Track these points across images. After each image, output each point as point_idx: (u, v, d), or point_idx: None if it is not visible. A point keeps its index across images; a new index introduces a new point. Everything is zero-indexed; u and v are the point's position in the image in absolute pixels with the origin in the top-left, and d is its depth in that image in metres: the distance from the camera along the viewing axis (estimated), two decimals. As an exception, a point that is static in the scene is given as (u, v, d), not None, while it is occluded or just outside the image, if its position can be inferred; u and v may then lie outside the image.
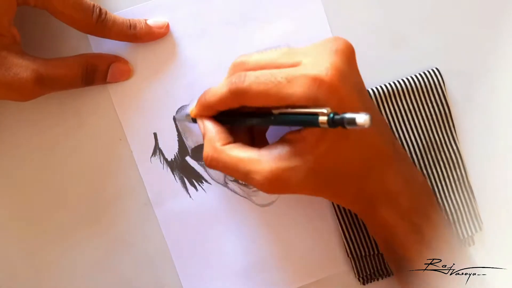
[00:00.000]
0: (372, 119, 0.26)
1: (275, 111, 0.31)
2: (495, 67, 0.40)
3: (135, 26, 0.36)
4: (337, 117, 0.27)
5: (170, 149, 0.39)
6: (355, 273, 0.40)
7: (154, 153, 0.39)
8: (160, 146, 0.39)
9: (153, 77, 0.38)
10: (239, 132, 0.36)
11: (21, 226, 0.39)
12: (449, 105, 0.39)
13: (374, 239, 0.39)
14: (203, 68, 0.39)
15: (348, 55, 0.31)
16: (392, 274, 0.40)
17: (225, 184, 0.40)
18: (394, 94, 0.39)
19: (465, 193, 0.40)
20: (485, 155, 0.40)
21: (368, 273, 0.40)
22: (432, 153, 0.39)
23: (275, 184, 0.31)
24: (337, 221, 0.40)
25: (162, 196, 0.39)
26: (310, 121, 0.29)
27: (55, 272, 0.39)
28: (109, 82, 0.38)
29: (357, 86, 0.32)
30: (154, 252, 0.40)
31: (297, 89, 0.29)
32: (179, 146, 0.39)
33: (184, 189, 0.40)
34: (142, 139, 0.39)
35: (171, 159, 0.39)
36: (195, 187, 0.40)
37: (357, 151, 0.32)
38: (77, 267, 0.39)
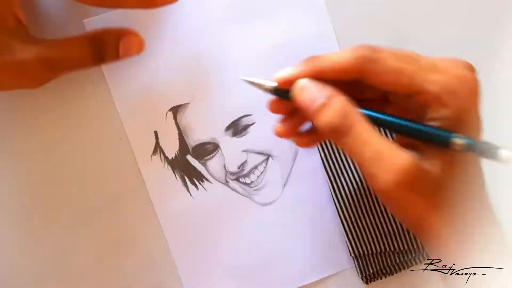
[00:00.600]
0: None
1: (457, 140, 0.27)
2: (496, 65, 0.40)
3: None
4: (480, 144, 0.25)
5: (171, 148, 0.39)
6: (358, 272, 0.40)
7: (154, 152, 0.39)
8: (160, 144, 0.39)
9: (153, 75, 0.38)
10: None
11: (21, 225, 0.39)
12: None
13: (377, 238, 0.39)
14: (205, 66, 0.39)
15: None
16: (395, 273, 0.40)
17: (226, 183, 0.40)
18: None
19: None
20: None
21: (371, 272, 0.40)
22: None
23: (409, 179, 0.26)
24: (339, 219, 0.39)
25: (163, 195, 0.39)
26: (443, 139, 0.26)
27: (56, 271, 0.39)
28: (123, 57, 0.35)
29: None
30: (155, 251, 0.39)
31: (439, 77, 0.27)
32: (179, 144, 0.39)
33: (185, 188, 0.40)
34: (143, 137, 0.39)
35: (172, 157, 0.39)
36: (196, 186, 0.40)
37: (474, 177, 0.29)
38: (78, 266, 0.39)
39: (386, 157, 0.27)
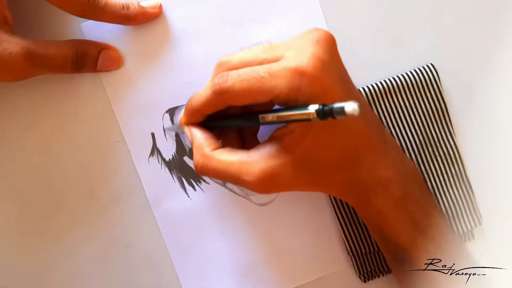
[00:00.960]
0: (360, 107, 0.26)
1: (260, 116, 0.31)
2: (491, 64, 0.40)
3: (128, 7, 0.36)
4: (326, 108, 0.27)
5: (168, 149, 0.39)
6: (356, 271, 0.40)
7: (152, 154, 0.39)
8: (158, 146, 0.39)
9: (150, 77, 0.39)
10: (229, 136, 0.36)
11: (19, 227, 0.39)
12: (445, 100, 0.39)
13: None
14: (200, 68, 0.39)
15: (329, 44, 0.31)
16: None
17: (223, 184, 0.40)
18: (389, 91, 0.39)
19: (464, 188, 0.39)
20: (483, 150, 0.40)
21: (369, 270, 0.40)
22: (429, 149, 0.39)
23: (267, 183, 0.31)
24: (336, 218, 0.39)
25: (160, 196, 0.39)
26: (299, 114, 0.29)
27: (53, 273, 0.39)
28: (100, 71, 0.38)
29: (341, 75, 0.32)
30: (152, 252, 0.40)
31: (280, 82, 0.29)
32: (177, 146, 0.39)
33: (182, 189, 0.40)
34: (140, 139, 0.39)
35: (169, 159, 0.39)
36: (193, 187, 0.40)
37: (345, 141, 0.32)
38: (76, 268, 0.39)
39: (241, 179, 0.32)
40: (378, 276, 0.40)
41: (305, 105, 0.29)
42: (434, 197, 0.39)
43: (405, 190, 0.34)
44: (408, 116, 0.39)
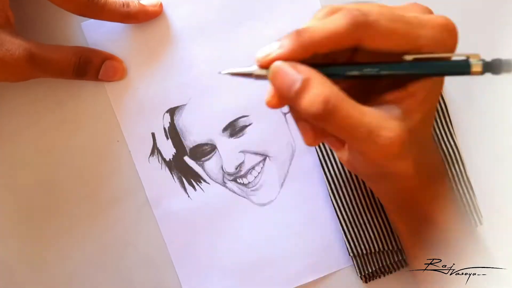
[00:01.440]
0: None
1: (408, 57, 0.27)
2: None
3: (128, 4, 0.36)
4: (496, 61, 0.25)
5: (168, 149, 0.39)
6: (356, 271, 0.40)
7: (152, 153, 0.39)
8: (158, 146, 0.39)
9: (151, 77, 0.39)
10: None
11: (19, 227, 0.39)
12: (445, 100, 0.39)
13: (375, 237, 0.39)
14: (200, 67, 0.39)
15: None
16: (394, 271, 0.40)
17: (223, 184, 0.40)
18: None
19: (464, 188, 0.39)
20: (484, 150, 0.40)
21: (370, 271, 0.40)
22: (430, 149, 0.39)
23: (403, 146, 0.27)
24: (337, 218, 0.39)
25: (160, 196, 0.39)
26: (460, 65, 0.27)
27: (53, 272, 0.39)
28: (101, 80, 0.37)
29: None
30: (153, 252, 0.39)
31: (428, 32, 0.27)
32: (177, 146, 0.39)
33: (183, 189, 0.40)
34: (140, 139, 0.39)
35: (169, 159, 0.39)
36: (194, 187, 0.40)
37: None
38: (76, 267, 0.39)
39: (377, 134, 0.27)
40: (380, 277, 0.40)
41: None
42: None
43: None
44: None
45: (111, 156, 0.39)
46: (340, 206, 0.39)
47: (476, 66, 0.26)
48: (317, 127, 0.29)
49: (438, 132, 0.39)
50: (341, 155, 0.33)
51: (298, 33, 0.27)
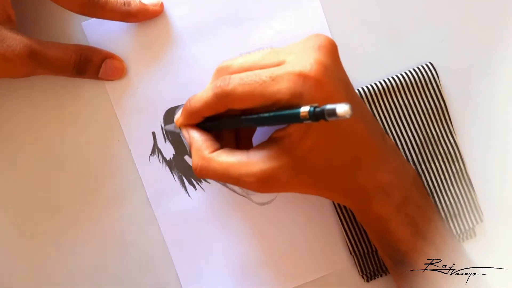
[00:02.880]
0: (352, 108, 0.25)
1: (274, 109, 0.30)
2: (491, 62, 0.40)
3: (129, 3, 0.36)
4: (317, 109, 0.27)
5: (169, 148, 0.39)
6: (358, 270, 0.40)
7: (152, 153, 0.39)
8: (158, 145, 0.39)
9: (151, 76, 0.39)
10: (225, 138, 0.36)
11: (20, 227, 0.39)
12: (445, 99, 0.39)
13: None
14: (200, 67, 0.39)
15: (332, 51, 0.31)
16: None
17: (224, 183, 0.40)
18: (389, 91, 0.39)
19: (465, 186, 0.39)
20: (483, 148, 0.40)
21: (372, 270, 0.39)
22: (430, 147, 0.39)
23: (267, 184, 0.31)
24: (338, 217, 0.39)
25: (161, 196, 0.39)
26: (293, 116, 0.28)
27: (54, 273, 0.39)
28: (101, 79, 0.38)
29: (343, 81, 0.32)
30: (153, 252, 0.39)
31: (282, 86, 0.29)
32: (177, 145, 0.39)
33: (183, 188, 0.40)
34: (141, 138, 0.39)
35: (170, 158, 0.39)
36: (194, 186, 0.40)
37: (345, 145, 0.32)
38: (76, 266, 0.39)
39: (242, 180, 0.32)
40: (381, 276, 0.40)
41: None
42: (433, 200, 0.39)
43: (405, 195, 0.34)
44: (408, 115, 0.39)
45: (111, 155, 0.39)
46: (341, 205, 0.39)
47: (304, 113, 0.27)
48: None
49: (437, 130, 0.39)
50: None
51: (188, 101, 0.34)
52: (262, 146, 0.33)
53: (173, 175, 0.39)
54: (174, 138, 0.39)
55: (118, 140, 0.39)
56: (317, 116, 0.27)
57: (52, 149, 0.38)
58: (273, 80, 0.30)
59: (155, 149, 0.39)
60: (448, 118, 0.39)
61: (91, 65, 0.37)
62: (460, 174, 0.39)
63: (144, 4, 0.37)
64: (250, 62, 0.32)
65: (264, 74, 0.30)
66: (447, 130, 0.39)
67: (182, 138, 0.39)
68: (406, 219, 0.34)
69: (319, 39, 0.32)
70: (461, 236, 0.40)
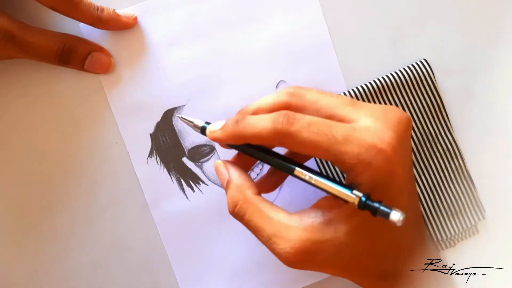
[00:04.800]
0: (404, 220, 0.25)
1: (313, 177, 0.29)
2: (490, 61, 0.40)
3: (102, 10, 0.36)
4: (370, 203, 0.26)
5: (167, 150, 0.39)
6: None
7: (150, 155, 0.39)
8: (156, 147, 0.39)
9: (149, 78, 0.39)
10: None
11: (17, 229, 0.38)
12: (441, 95, 0.39)
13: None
14: (199, 69, 0.39)
15: (408, 130, 0.30)
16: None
17: (222, 185, 0.40)
18: (383, 89, 0.39)
19: (465, 182, 0.39)
20: (483, 144, 0.40)
21: (373, 271, 0.39)
22: (428, 145, 0.39)
23: (301, 257, 0.28)
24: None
25: (159, 198, 0.39)
26: (343, 191, 0.27)
27: (51, 275, 0.38)
28: (87, 71, 0.37)
29: (410, 165, 0.31)
30: (151, 254, 0.39)
31: (353, 150, 0.27)
32: (175, 147, 0.39)
33: (181, 190, 0.39)
34: (139, 140, 0.39)
35: (168, 160, 0.39)
36: (192, 188, 0.39)
37: (390, 235, 0.29)
38: (74, 269, 0.39)
39: (274, 241, 0.29)
40: (383, 276, 0.39)
41: (352, 184, 0.27)
42: (434, 199, 0.39)
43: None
44: (405, 113, 0.39)
45: (109, 157, 0.39)
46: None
47: (354, 201, 0.27)
48: None
49: (435, 127, 0.39)
50: None
51: (237, 121, 0.31)
52: (306, 212, 0.30)
53: (171, 177, 0.39)
54: (172, 139, 0.39)
55: (116, 142, 0.39)
56: (366, 207, 0.26)
57: (50, 151, 0.38)
58: (344, 139, 0.27)
59: (153, 151, 0.39)
60: (445, 114, 0.39)
61: (75, 55, 0.36)
62: (459, 170, 0.39)
63: (118, 15, 0.37)
64: (324, 102, 0.29)
65: (336, 130, 0.28)
66: (444, 127, 0.39)
67: (181, 139, 0.39)
68: None
69: (399, 114, 0.29)
70: (463, 234, 0.39)
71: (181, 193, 0.39)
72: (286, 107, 0.30)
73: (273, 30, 0.39)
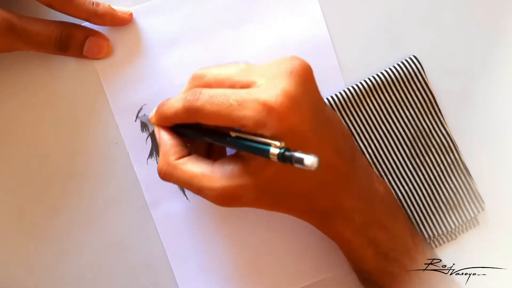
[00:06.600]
0: (320, 162, 0.26)
1: (232, 134, 0.31)
2: (488, 62, 0.41)
3: (97, 4, 0.36)
4: (287, 153, 0.28)
5: (166, 152, 0.40)
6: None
7: (150, 155, 0.40)
8: (156, 148, 0.40)
9: (149, 78, 0.39)
10: (197, 142, 0.36)
11: (17, 229, 0.38)
12: (432, 90, 0.40)
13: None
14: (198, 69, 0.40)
15: (304, 77, 0.30)
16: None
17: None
18: (375, 88, 0.39)
19: (462, 175, 0.39)
20: (480, 140, 0.40)
21: (374, 268, 0.38)
22: (422, 141, 0.40)
23: (227, 200, 0.32)
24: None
25: (159, 198, 0.39)
26: (261, 150, 0.29)
27: (51, 275, 0.38)
28: (86, 57, 0.38)
29: (312, 109, 0.31)
30: (151, 255, 0.39)
31: (247, 113, 0.29)
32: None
33: (181, 191, 0.40)
34: (139, 141, 0.39)
35: (167, 161, 0.40)
36: (192, 189, 0.40)
37: (310, 174, 0.30)
38: (74, 270, 0.38)
39: (203, 193, 0.32)
40: (385, 272, 0.38)
41: (270, 140, 0.29)
42: (433, 195, 0.39)
43: (367, 217, 0.34)
44: (397, 110, 0.40)
45: (109, 158, 0.39)
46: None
47: (273, 154, 0.28)
48: None
49: (428, 122, 0.40)
50: None
51: (162, 104, 0.35)
52: (227, 160, 0.32)
53: (170, 178, 0.40)
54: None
55: (116, 143, 0.39)
56: (285, 159, 0.28)
57: (50, 152, 0.39)
58: (239, 104, 0.29)
59: (153, 152, 0.40)
60: (437, 109, 0.40)
61: (74, 41, 0.36)
62: (456, 164, 0.40)
63: (113, 9, 0.37)
64: (223, 75, 0.32)
65: (232, 97, 0.30)
66: (437, 121, 0.40)
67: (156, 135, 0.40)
68: (367, 241, 0.34)
69: (292, 63, 0.31)
70: (463, 226, 0.39)
71: (181, 193, 0.40)
72: None
73: (273, 30, 0.40)
